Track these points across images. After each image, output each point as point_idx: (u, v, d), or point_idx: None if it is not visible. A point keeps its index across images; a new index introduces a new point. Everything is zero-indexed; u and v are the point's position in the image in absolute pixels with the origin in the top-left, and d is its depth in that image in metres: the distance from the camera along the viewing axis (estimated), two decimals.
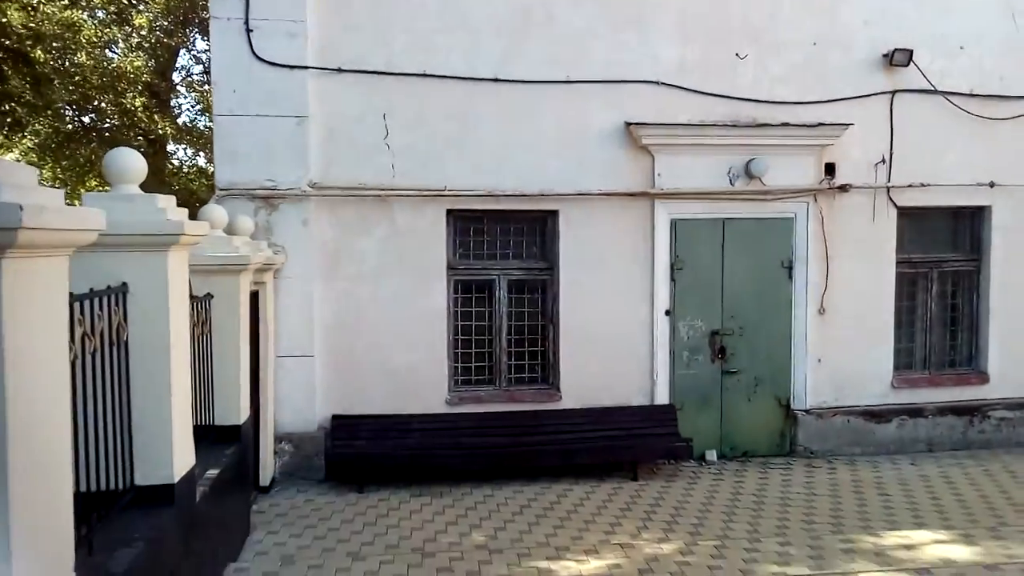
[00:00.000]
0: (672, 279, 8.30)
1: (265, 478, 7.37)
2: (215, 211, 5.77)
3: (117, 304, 3.65)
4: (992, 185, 8.77)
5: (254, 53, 7.26)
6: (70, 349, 2.86)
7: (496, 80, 7.87)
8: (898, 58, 8.45)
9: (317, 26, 7.55)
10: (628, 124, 8.03)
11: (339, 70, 7.61)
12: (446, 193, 7.84)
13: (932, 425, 8.80)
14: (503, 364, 8.25)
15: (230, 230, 6.13)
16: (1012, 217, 8.88)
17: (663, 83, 8.13)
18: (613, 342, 8.22)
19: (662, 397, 8.33)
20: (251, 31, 7.23)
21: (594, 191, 8.06)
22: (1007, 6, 8.73)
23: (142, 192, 3.84)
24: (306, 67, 7.49)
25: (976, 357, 9.08)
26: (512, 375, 8.31)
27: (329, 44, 7.61)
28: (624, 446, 7.88)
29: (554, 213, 8.13)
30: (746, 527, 6.45)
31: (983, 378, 8.94)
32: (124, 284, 3.73)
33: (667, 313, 8.31)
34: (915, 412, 8.78)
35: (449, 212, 7.98)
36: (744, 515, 6.74)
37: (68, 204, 2.64)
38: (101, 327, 3.41)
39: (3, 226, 2.11)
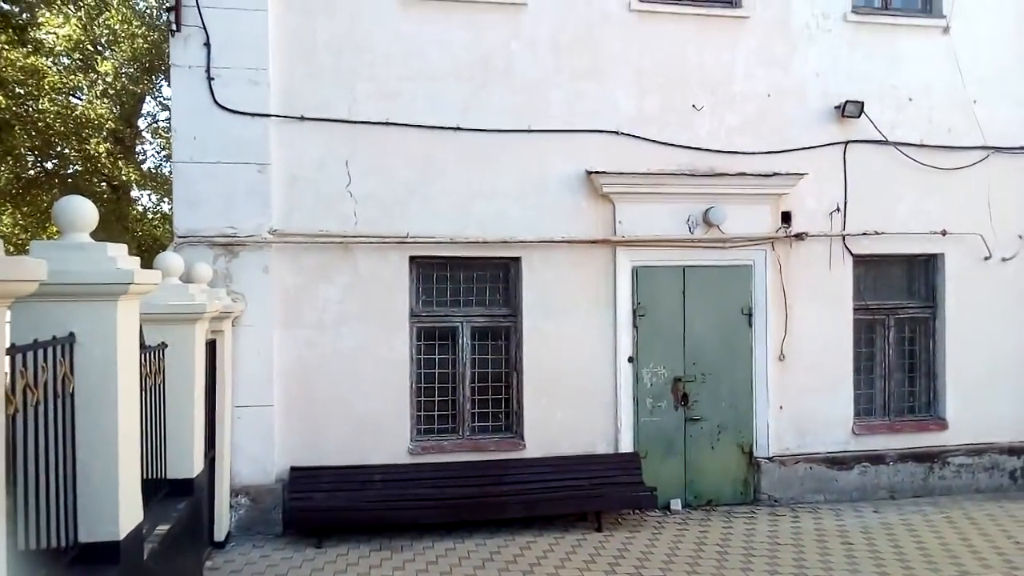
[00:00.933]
0: (635, 326, 8.34)
1: (220, 533, 7.14)
2: (170, 259, 5.70)
3: (63, 355, 3.55)
4: (944, 233, 9.00)
5: (215, 101, 7.26)
6: (9, 403, 2.77)
7: (458, 128, 7.96)
8: (850, 109, 8.71)
9: (279, 74, 7.59)
10: (589, 172, 8.14)
11: (301, 118, 7.63)
12: (409, 240, 7.84)
13: (893, 472, 8.86)
14: (466, 412, 8.17)
15: (187, 278, 6.05)
16: (964, 265, 9.10)
17: (622, 133, 8.29)
18: (577, 389, 8.20)
19: (626, 445, 8.30)
20: (212, 79, 7.25)
21: (556, 238, 8.12)
22: (952, 59, 9.06)
23: (92, 240, 3.78)
24: (268, 115, 7.51)
25: (935, 403, 9.20)
26: (476, 423, 8.23)
27: (291, 92, 7.64)
28: (588, 496, 7.80)
29: (517, 260, 8.17)
30: None
31: (942, 424, 9.04)
32: (71, 334, 3.64)
33: (630, 360, 8.33)
34: (876, 459, 8.85)
35: (412, 259, 7.97)
36: (708, 567, 6.67)
37: (10, 254, 2.58)
38: (45, 379, 3.31)
39: None
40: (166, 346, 5.42)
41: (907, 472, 8.91)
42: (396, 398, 7.90)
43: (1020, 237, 9.21)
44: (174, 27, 7.24)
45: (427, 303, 8.17)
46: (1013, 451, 9.16)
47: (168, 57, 7.70)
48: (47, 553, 3.32)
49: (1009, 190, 9.17)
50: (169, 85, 17.96)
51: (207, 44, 7.21)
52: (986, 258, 9.11)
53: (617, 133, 8.26)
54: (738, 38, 8.61)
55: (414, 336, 8.04)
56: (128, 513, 3.91)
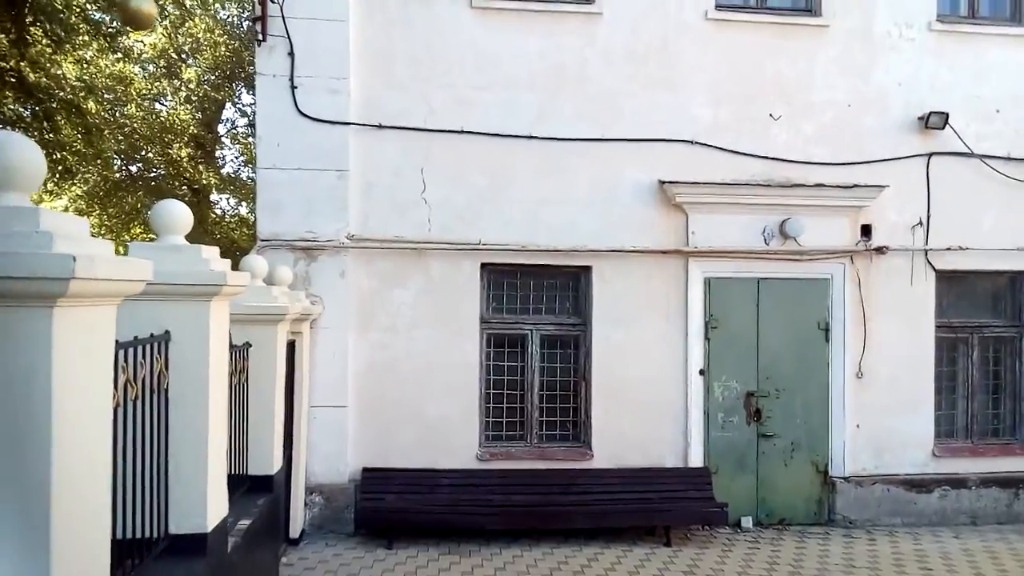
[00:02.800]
0: (706, 338, 8.24)
1: (295, 530, 7.33)
2: (256, 261, 5.88)
3: (159, 352, 3.71)
4: None
5: (298, 109, 7.48)
6: (113, 396, 2.91)
7: (531, 137, 8.01)
8: (933, 121, 8.45)
9: (359, 83, 7.77)
10: (661, 182, 8.09)
11: (379, 126, 7.79)
12: (481, 247, 7.92)
13: (975, 497, 8.51)
14: (534, 420, 8.19)
15: (269, 280, 6.23)
16: None
17: (696, 142, 8.20)
18: (646, 401, 8.13)
19: (696, 459, 8.18)
20: (295, 87, 7.47)
21: (627, 247, 8.08)
22: None
23: (187, 243, 3.93)
24: (348, 123, 7.69)
25: (1020, 427, 8.81)
26: (543, 432, 8.24)
27: (370, 100, 7.81)
28: (657, 509, 7.72)
29: (587, 269, 8.16)
30: None
31: None
32: (167, 332, 3.79)
33: (701, 372, 8.22)
34: (957, 483, 8.52)
35: (483, 266, 8.05)
36: None
37: (116, 254, 2.72)
38: (143, 374, 3.46)
39: (55, 276, 2.17)
40: (250, 346, 5.60)
41: (990, 497, 8.55)
42: (466, 403, 7.97)
43: None
44: (260, 37, 7.48)
45: (497, 310, 8.23)
46: None
47: (250, 66, 7.95)
48: (139, 543, 3.47)
49: None
50: (249, 92, 18.74)
51: (291, 54, 7.44)
52: None
53: (691, 143, 8.18)
54: (817, 46, 8.44)
55: (484, 342, 8.11)
56: (215, 507, 4.05)
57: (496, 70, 8.00)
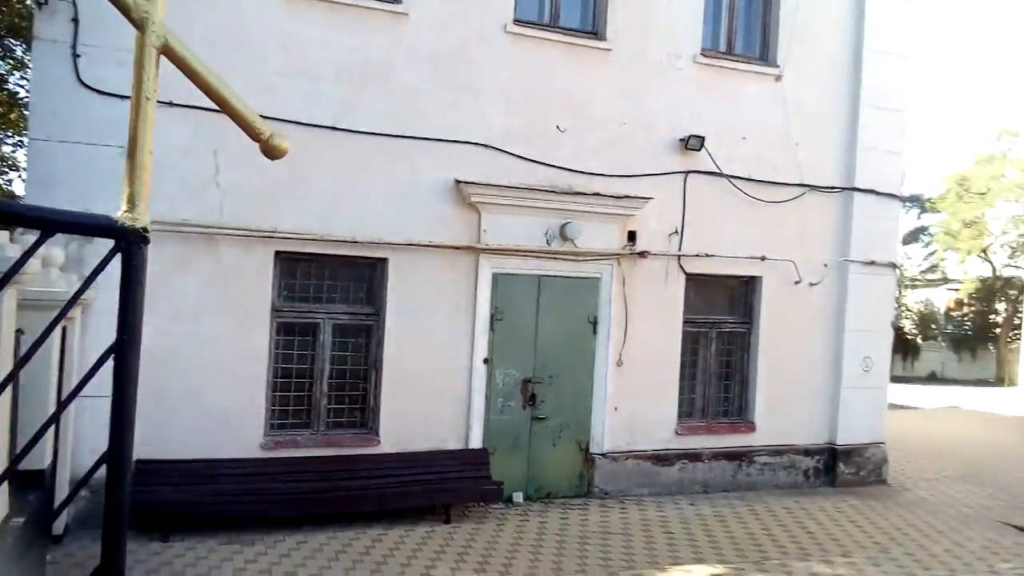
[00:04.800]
0: (492, 329, 8.82)
1: (58, 526, 6.88)
2: (22, 242, 5.47)
3: None
4: (763, 259, 10.12)
5: (79, 78, 6.94)
6: None
7: (334, 128, 8.05)
8: (692, 143, 9.61)
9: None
10: (458, 182, 8.51)
11: (170, 103, 7.42)
12: (276, 235, 7.85)
13: (708, 468, 9.93)
14: (323, 408, 8.31)
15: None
16: (778, 287, 10.28)
17: (491, 146, 8.71)
18: (434, 388, 8.55)
19: (476, 441, 8.77)
20: (78, 56, 6.92)
21: (423, 242, 8.42)
22: (783, 105, 10.18)
23: None
24: None
25: (746, 408, 10.36)
26: (332, 419, 8.38)
27: (162, 76, 7.38)
28: (439, 489, 8.20)
29: (384, 260, 8.38)
30: (551, 566, 6.98)
31: (751, 427, 10.22)
32: None
33: (485, 361, 8.80)
34: (694, 456, 9.87)
35: (278, 254, 7.98)
36: (548, 554, 7.28)
37: None
38: None
39: None
40: (22, 333, 5.22)
41: (719, 469, 10.00)
42: (251, 392, 7.90)
43: (825, 266, 10.50)
44: None
45: (290, 299, 8.21)
46: (808, 452, 10.50)
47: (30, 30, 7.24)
48: None
49: (819, 224, 10.44)
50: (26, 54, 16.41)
51: (75, 20, 6.87)
52: (796, 282, 10.33)
53: (486, 146, 8.68)
54: (600, 68, 9.27)
55: (274, 331, 8.07)
56: None
57: (302, 59, 7.93)
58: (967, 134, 71.84)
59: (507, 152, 8.78)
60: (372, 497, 7.94)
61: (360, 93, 8.19)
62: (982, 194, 34.60)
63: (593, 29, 9.34)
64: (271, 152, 1.70)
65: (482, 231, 8.69)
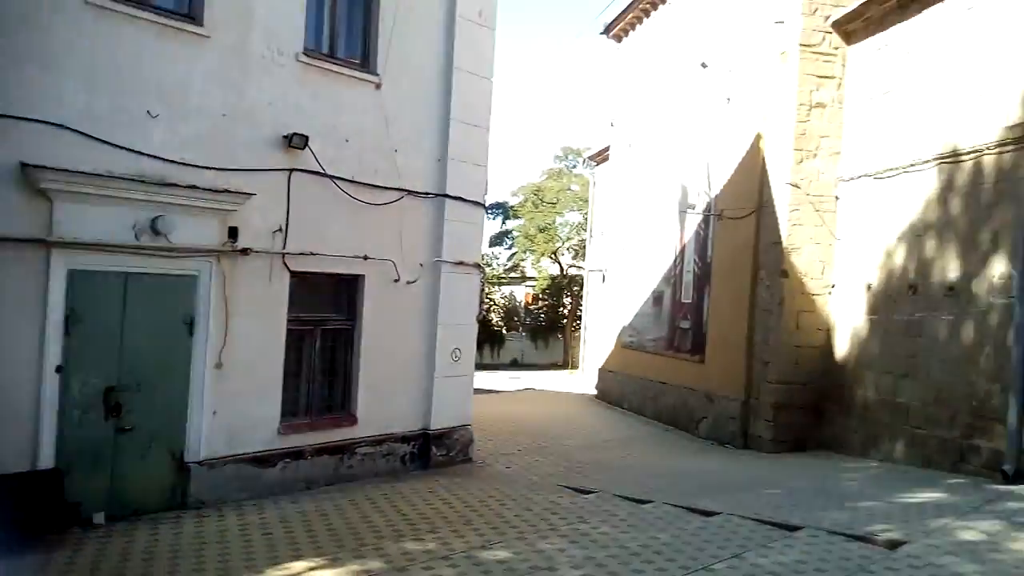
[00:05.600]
0: (67, 333, 7.83)
1: None
2: None
3: None
4: (365, 258, 10.55)
5: None
6: None
7: None
8: (296, 141, 9.62)
9: None
10: (24, 165, 7.40)
11: None
12: None
13: (311, 465, 10.05)
14: None
15: None
16: (379, 286, 10.80)
17: (68, 127, 7.73)
18: None
19: (47, 462, 7.72)
20: None
21: None
22: (382, 112, 10.66)
23: None
24: None
25: (348, 403, 10.70)
26: None
27: None
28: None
29: None
30: None
31: (353, 420, 10.58)
32: None
33: (59, 370, 7.79)
34: (297, 454, 9.92)
35: None
36: (134, 574, 6.74)
37: None
38: None
39: None
40: None
41: (322, 464, 10.19)
42: None
43: (421, 265, 11.31)
44: None
45: None
46: (405, 439, 11.21)
47: None
48: None
49: (415, 227, 11.20)
50: None
51: None
52: (395, 281, 10.96)
53: (61, 127, 7.67)
54: (197, 55, 8.78)
55: None
56: None
57: None
58: (540, 150, 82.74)
59: (88, 135, 7.86)
60: None
61: None
62: (553, 204, 40.20)
63: (189, 13, 8.80)
64: None
65: (55, 223, 7.67)
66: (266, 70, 9.43)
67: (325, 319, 10.48)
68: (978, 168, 10.24)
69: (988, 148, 10.04)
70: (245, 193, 9.11)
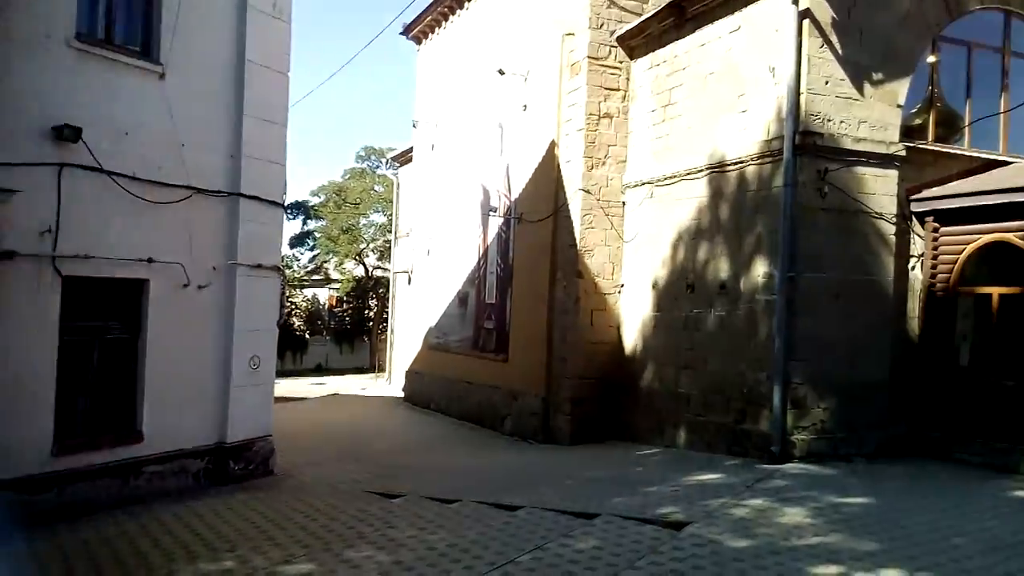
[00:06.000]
0: None
1: None
2: None
3: None
4: (151, 261, 9.82)
5: None
6: None
7: None
8: (67, 133, 8.77)
9: None
10: None
11: None
12: None
13: (92, 488, 9.19)
14: None
15: None
16: (167, 291, 10.07)
17: None
18: None
19: None
20: None
21: None
22: (167, 104, 9.94)
23: None
24: None
25: (132, 419, 9.88)
26: None
27: None
28: None
29: None
30: None
31: (138, 437, 9.78)
32: None
33: None
34: (75, 477, 9.04)
35: None
36: None
37: None
38: None
39: None
40: None
41: (104, 486, 9.35)
42: None
43: (214, 269, 10.67)
44: None
45: None
46: (196, 454, 10.53)
47: None
48: None
49: (207, 228, 10.55)
50: None
51: None
52: (185, 285, 10.26)
53: None
54: None
55: None
56: None
57: None
58: (342, 149, 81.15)
59: None
60: None
61: None
62: (356, 204, 39.57)
63: None
64: None
65: None
66: (33, 56, 8.52)
67: (105, 328, 9.63)
68: (742, 178, 11.39)
69: (751, 159, 11.19)
70: (8, 190, 8.17)
